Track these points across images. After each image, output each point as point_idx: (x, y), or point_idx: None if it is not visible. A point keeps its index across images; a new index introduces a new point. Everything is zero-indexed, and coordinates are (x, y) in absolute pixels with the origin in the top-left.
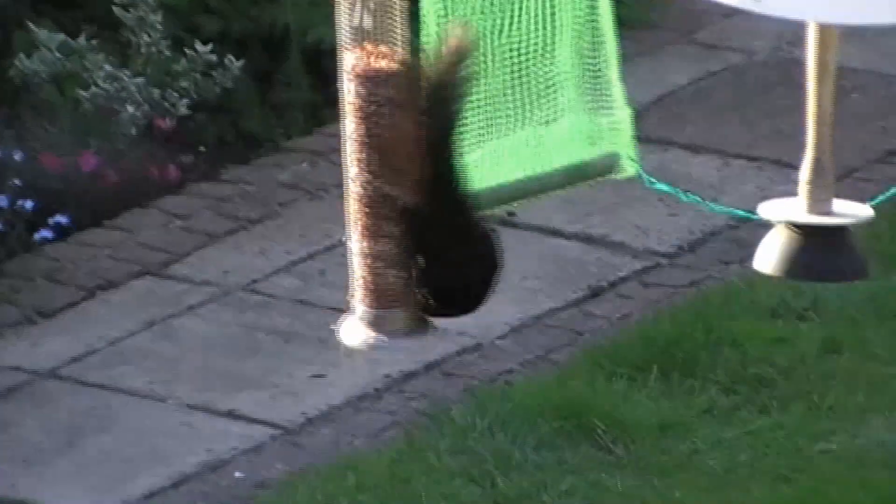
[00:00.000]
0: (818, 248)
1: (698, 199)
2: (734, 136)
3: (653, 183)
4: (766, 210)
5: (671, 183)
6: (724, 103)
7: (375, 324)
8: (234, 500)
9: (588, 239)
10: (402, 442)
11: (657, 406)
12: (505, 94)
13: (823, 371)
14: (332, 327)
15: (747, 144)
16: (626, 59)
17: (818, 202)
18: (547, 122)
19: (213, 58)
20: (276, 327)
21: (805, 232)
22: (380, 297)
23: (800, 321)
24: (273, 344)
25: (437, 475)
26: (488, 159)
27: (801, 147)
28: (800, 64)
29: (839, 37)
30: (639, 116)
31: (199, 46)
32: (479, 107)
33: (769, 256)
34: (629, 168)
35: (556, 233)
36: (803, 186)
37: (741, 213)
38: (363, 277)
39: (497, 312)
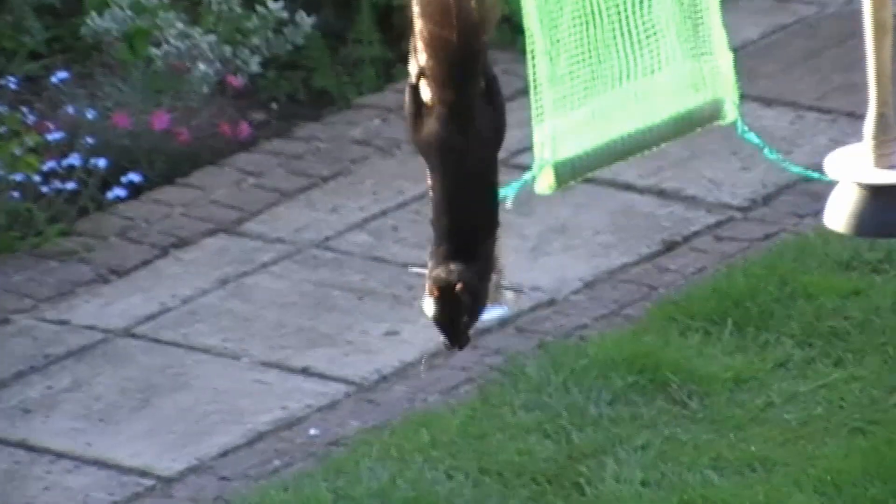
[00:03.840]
0: (887, 203)
1: (780, 157)
2: (807, 89)
3: (745, 132)
4: (832, 167)
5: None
6: (796, 56)
7: None
8: (308, 458)
9: (661, 193)
10: (476, 398)
11: (731, 360)
12: (608, 47)
13: None
14: (408, 279)
15: (820, 97)
16: None
17: (884, 157)
18: (651, 72)
19: (285, 14)
20: (350, 284)
21: (873, 188)
22: None
23: (874, 274)
24: (346, 301)
25: (512, 431)
26: (598, 114)
27: None
28: None
29: None
30: None
31: (270, 3)
32: (582, 61)
33: (838, 213)
34: (731, 113)
35: (628, 187)
36: (868, 142)
37: (814, 175)
38: None
39: (571, 268)
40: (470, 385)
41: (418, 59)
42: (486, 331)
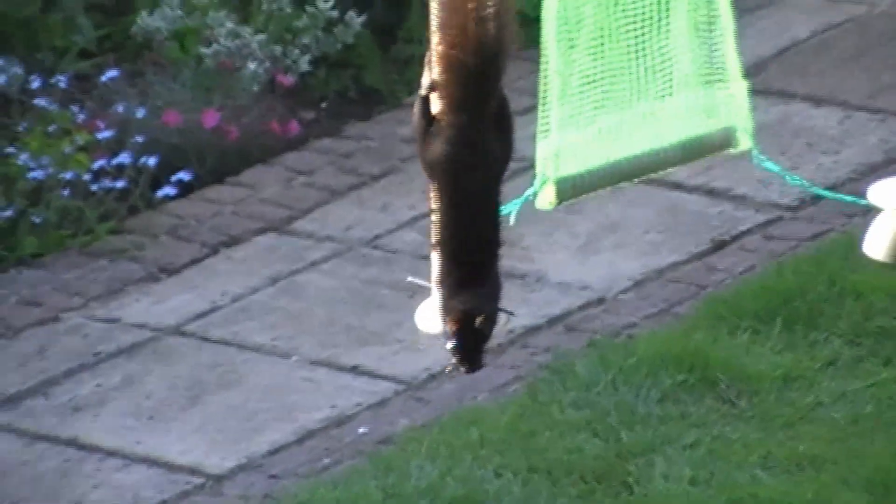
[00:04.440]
0: None
1: (804, 182)
2: (856, 88)
3: (762, 161)
4: (876, 195)
5: (793, 134)
6: (845, 55)
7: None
8: (358, 456)
9: (710, 192)
10: (526, 396)
11: (780, 358)
12: (621, 68)
13: None
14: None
15: (869, 96)
16: (747, 11)
17: None
18: (663, 97)
19: (335, 13)
20: (399, 282)
21: None
22: None
23: None
24: (396, 299)
25: (561, 429)
26: (606, 134)
27: None
28: None
29: None
30: (760, 69)
31: (320, 2)
32: (595, 80)
33: (879, 242)
34: (745, 142)
35: (677, 186)
36: None
37: (849, 198)
38: None
39: (620, 266)
40: (519, 383)
41: (431, 72)
42: (536, 329)
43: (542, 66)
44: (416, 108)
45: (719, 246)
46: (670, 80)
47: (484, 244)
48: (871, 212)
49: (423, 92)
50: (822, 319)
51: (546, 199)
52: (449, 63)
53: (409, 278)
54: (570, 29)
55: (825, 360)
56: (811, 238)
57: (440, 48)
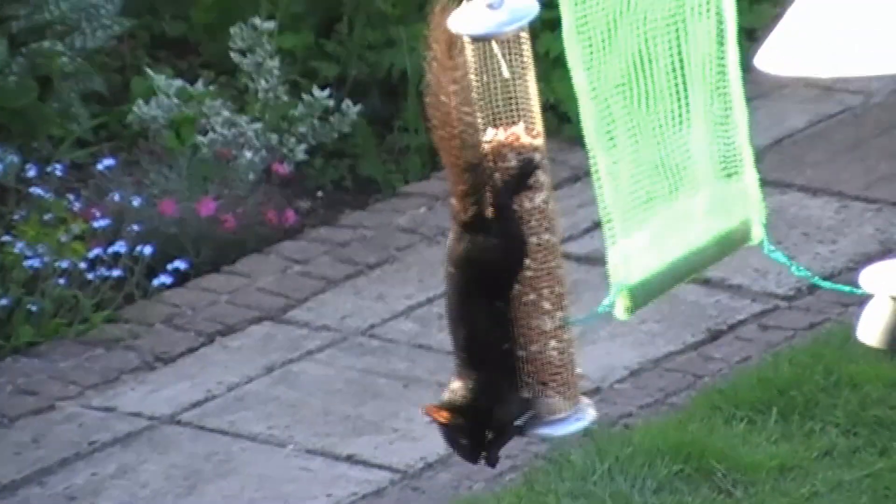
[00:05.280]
0: None
1: (808, 273)
2: (852, 179)
3: (771, 251)
4: (867, 280)
5: (790, 225)
6: (841, 146)
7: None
8: None
9: (706, 282)
10: (522, 486)
11: (776, 448)
12: (655, 167)
13: None
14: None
15: (865, 186)
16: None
17: None
18: (693, 193)
19: (331, 103)
20: (395, 372)
21: None
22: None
23: None
24: (392, 388)
25: None
26: (658, 236)
27: None
28: None
29: None
30: (757, 159)
31: (316, 91)
32: (638, 181)
33: (872, 328)
34: (759, 234)
35: None
36: None
37: (846, 288)
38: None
39: (616, 356)
40: (515, 473)
41: (460, 170)
42: None
43: (593, 169)
44: (453, 214)
45: (715, 336)
46: (696, 175)
47: (480, 337)
48: (867, 300)
49: (455, 193)
50: (819, 409)
51: (622, 308)
52: (442, 150)
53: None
54: (608, 128)
55: (821, 451)
56: (808, 328)
57: (435, 137)
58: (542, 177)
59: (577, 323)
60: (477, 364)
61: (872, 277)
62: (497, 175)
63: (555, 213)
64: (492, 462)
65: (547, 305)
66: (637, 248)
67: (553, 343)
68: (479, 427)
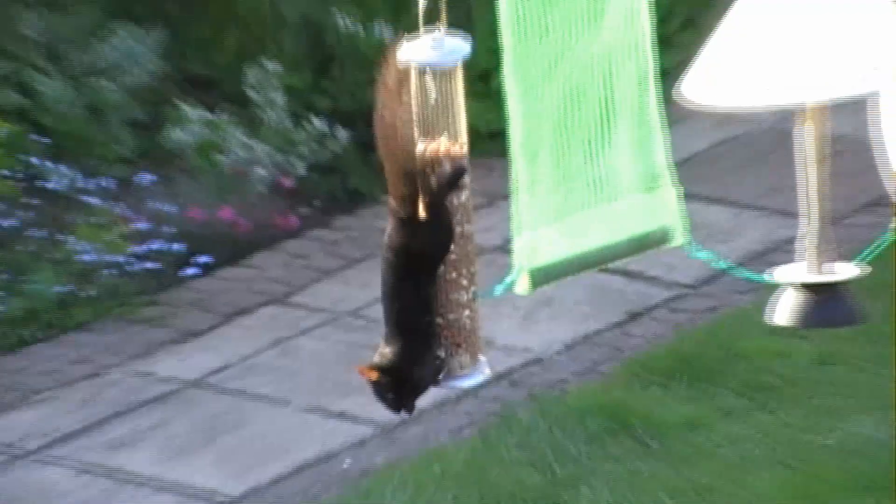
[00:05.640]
0: (821, 301)
1: (734, 266)
2: (744, 191)
3: (696, 251)
4: (779, 274)
5: (694, 228)
6: (736, 164)
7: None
8: (343, 484)
9: (627, 274)
10: (478, 439)
11: (684, 408)
12: (577, 177)
13: (819, 379)
14: None
15: (755, 197)
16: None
17: (819, 262)
18: (611, 201)
19: (326, 129)
20: (377, 345)
21: (811, 290)
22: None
23: (799, 339)
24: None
25: (507, 465)
26: (568, 232)
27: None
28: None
29: (826, 113)
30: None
31: (314, 120)
32: (556, 190)
33: (783, 312)
34: (680, 238)
35: (602, 269)
36: (808, 251)
37: (758, 277)
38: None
39: (555, 333)
40: (472, 427)
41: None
42: (486, 384)
43: (513, 177)
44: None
45: (634, 317)
46: (617, 186)
47: (408, 310)
48: (755, 291)
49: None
50: (718, 377)
51: (522, 285)
52: (384, 158)
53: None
54: (532, 146)
55: (721, 410)
56: (709, 311)
57: (379, 147)
58: (466, 178)
59: (483, 296)
60: (403, 333)
61: (783, 273)
62: (433, 178)
63: (471, 207)
64: (409, 411)
65: (464, 282)
66: (544, 240)
67: (467, 312)
68: (400, 384)
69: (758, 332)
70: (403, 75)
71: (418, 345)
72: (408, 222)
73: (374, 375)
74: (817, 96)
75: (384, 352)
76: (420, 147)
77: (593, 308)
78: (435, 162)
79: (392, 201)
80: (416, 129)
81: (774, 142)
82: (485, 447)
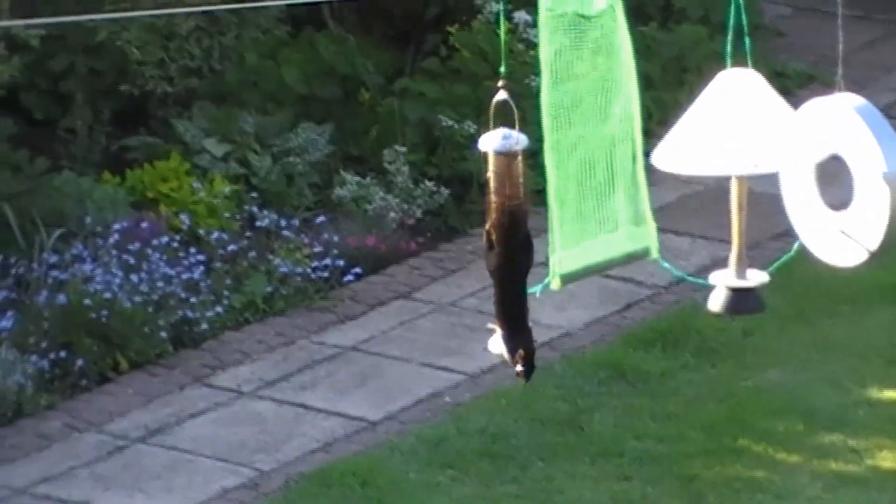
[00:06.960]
0: (741, 296)
1: (692, 278)
2: (698, 226)
3: (664, 264)
4: (713, 278)
5: (664, 250)
6: (693, 209)
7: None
8: (444, 412)
9: (622, 278)
10: (529, 383)
11: (660, 363)
12: (590, 216)
13: (744, 345)
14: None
15: (705, 230)
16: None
17: (740, 272)
18: (613, 231)
19: (434, 188)
20: (469, 325)
21: (734, 289)
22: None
23: (731, 320)
24: (471, 333)
25: (547, 399)
26: (584, 251)
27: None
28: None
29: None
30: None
31: (427, 183)
32: (578, 222)
33: (715, 302)
34: (655, 255)
35: (606, 276)
36: (732, 263)
37: (704, 282)
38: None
39: (577, 315)
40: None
41: (490, 217)
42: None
43: (549, 217)
44: (484, 239)
45: (627, 307)
46: (616, 222)
47: (519, 310)
48: (704, 290)
49: (487, 228)
50: (682, 343)
51: (555, 285)
52: (497, 214)
53: (488, 325)
54: (561, 197)
55: (684, 365)
56: (675, 303)
57: (493, 205)
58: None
59: (532, 292)
60: (523, 324)
61: (717, 278)
62: (518, 218)
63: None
64: (529, 377)
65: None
66: (569, 255)
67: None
68: (530, 360)
69: (705, 315)
70: (511, 159)
71: (525, 326)
72: (506, 248)
73: (522, 358)
74: (738, 170)
75: (525, 340)
76: (498, 200)
77: (601, 300)
78: (516, 210)
79: (489, 230)
80: (496, 189)
81: (718, 195)
82: (533, 388)
